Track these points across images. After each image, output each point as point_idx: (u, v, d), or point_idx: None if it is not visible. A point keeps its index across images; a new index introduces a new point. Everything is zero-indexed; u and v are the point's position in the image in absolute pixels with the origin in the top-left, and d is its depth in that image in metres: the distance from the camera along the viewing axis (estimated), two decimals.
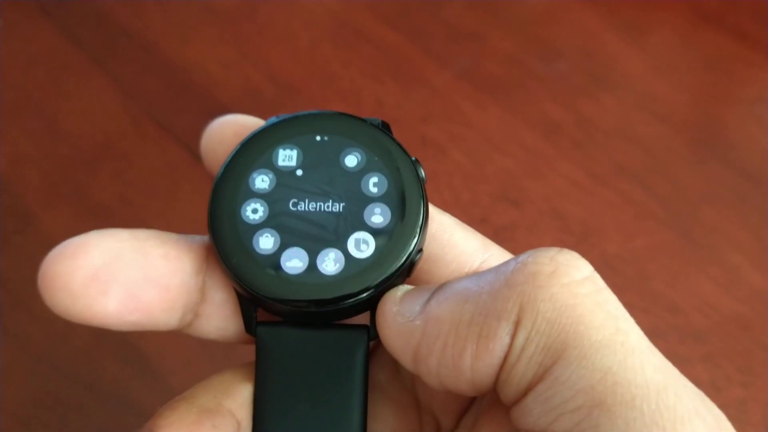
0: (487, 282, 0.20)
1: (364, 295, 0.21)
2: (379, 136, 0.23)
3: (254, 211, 0.22)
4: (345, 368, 0.22)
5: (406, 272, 0.22)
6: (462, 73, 0.51)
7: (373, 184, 0.22)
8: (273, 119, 0.23)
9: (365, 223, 0.22)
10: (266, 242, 0.21)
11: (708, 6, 0.55)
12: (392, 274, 0.21)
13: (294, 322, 0.22)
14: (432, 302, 0.20)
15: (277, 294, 0.21)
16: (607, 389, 0.18)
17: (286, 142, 0.23)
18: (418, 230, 0.21)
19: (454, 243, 0.23)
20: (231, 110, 0.48)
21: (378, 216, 0.22)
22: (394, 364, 0.23)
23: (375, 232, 0.21)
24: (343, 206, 0.22)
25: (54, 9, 0.54)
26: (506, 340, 0.19)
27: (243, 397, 0.22)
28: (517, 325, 0.19)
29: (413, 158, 0.23)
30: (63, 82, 0.50)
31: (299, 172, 0.22)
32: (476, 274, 0.21)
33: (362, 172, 0.22)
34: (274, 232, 0.22)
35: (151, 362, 0.38)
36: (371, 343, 0.22)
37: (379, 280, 0.21)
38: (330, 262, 0.21)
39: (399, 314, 0.21)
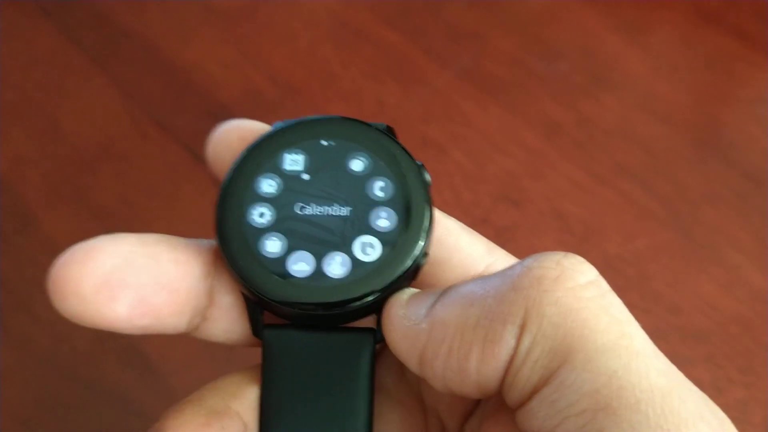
0: (493, 286, 0.20)
1: (370, 298, 0.21)
2: (384, 141, 0.23)
3: (261, 215, 0.22)
4: (351, 371, 0.22)
5: (411, 276, 0.22)
6: (462, 73, 0.51)
7: (379, 188, 0.22)
8: (279, 124, 0.23)
9: (371, 227, 0.22)
10: (273, 246, 0.21)
11: (708, 6, 0.55)
12: (398, 278, 0.21)
13: (300, 325, 0.22)
14: (438, 306, 0.20)
15: (283, 297, 0.21)
16: (612, 393, 0.18)
17: (292, 146, 0.23)
18: (424, 234, 0.22)
19: (460, 247, 0.23)
20: (231, 111, 0.49)
21: (384, 220, 0.22)
22: (400, 367, 0.23)
23: (381, 235, 0.22)
24: (349, 210, 0.22)
25: (54, 10, 0.54)
26: (512, 343, 0.19)
27: (250, 399, 0.22)
28: (522, 328, 0.19)
29: (419, 162, 0.23)
30: (63, 82, 0.50)
31: (305, 177, 0.22)
32: (482, 278, 0.21)
33: (368, 176, 0.22)
34: (280, 235, 0.22)
35: (153, 364, 0.38)
36: (377, 346, 0.22)
37: (386, 283, 0.21)
38: (336, 266, 0.21)
39: (405, 317, 0.21)
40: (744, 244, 0.44)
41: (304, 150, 0.23)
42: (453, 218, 0.23)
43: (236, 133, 0.24)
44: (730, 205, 0.45)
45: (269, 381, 0.22)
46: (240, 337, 0.23)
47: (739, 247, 0.44)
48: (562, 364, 0.18)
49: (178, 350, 0.38)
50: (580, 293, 0.19)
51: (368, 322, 0.22)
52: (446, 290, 0.21)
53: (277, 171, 0.22)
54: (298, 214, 0.22)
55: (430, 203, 0.22)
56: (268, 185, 0.22)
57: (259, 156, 0.23)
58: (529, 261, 0.20)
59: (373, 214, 0.22)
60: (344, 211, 0.22)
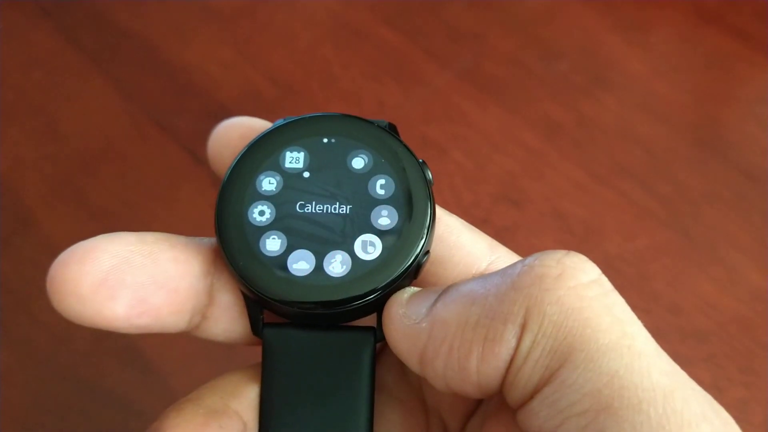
0: (494, 284, 0.20)
1: (371, 297, 0.21)
2: (385, 138, 0.23)
3: (261, 213, 0.22)
4: (351, 370, 0.22)
5: (413, 274, 0.22)
6: (462, 74, 0.51)
7: (380, 186, 0.22)
8: (280, 121, 0.23)
9: (372, 225, 0.22)
10: (273, 244, 0.21)
11: (708, 5, 0.55)
12: (399, 276, 0.21)
13: (301, 323, 0.22)
14: (438, 304, 0.20)
15: (283, 296, 0.21)
16: (613, 393, 0.18)
17: (292, 144, 0.23)
18: (425, 232, 0.21)
19: (461, 245, 0.23)
20: (231, 111, 0.49)
21: (385, 218, 0.22)
22: (401, 366, 0.23)
23: (382, 233, 0.21)
24: (350, 208, 0.22)
25: (54, 10, 0.53)
26: (512, 343, 0.19)
27: (249, 398, 0.22)
28: (523, 328, 0.19)
29: (420, 160, 0.23)
30: (63, 83, 0.50)
31: (306, 174, 0.22)
32: (483, 277, 0.21)
33: (369, 174, 0.22)
34: (280, 234, 0.21)
35: (153, 364, 0.38)
36: (378, 345, 0.22)
37: (386, 282, 0.21)
38: (337, 264, 0.21)
39: (405, 316, 0.21)
40: (744, 244, 0.44)
41: (305, 147, 0.23)
42: (455, 216, 0.23)
43: (237, 131, 0.24)
44: (730, 205, 0.45)
45: (269, 380, 0.22)
46: (240, 336, 0.23)
47: (739, 246, 0.44)
48: (564, 363, 0.18)
49: (178, 351, 0.38)
50: (582, 292, 0.19)
51: (369, 321, 0.22)
52: (447, 289, 0.21)
53: (278, 169, 0.22)
54: (298, 212, 0.22)
55: (432, 201, 0.22)
56: (269, 183, 0.22)
57: (260, 153, 0.22)
58: (531, 259, 0.20)
59: (374, 213, 0.22)
60: (345, 209, 0.22)
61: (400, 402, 0.24)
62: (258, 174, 0.22)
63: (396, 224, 0.22)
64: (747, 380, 0.39)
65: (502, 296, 0.19)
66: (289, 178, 0.22)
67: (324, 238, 0.21)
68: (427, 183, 0.22)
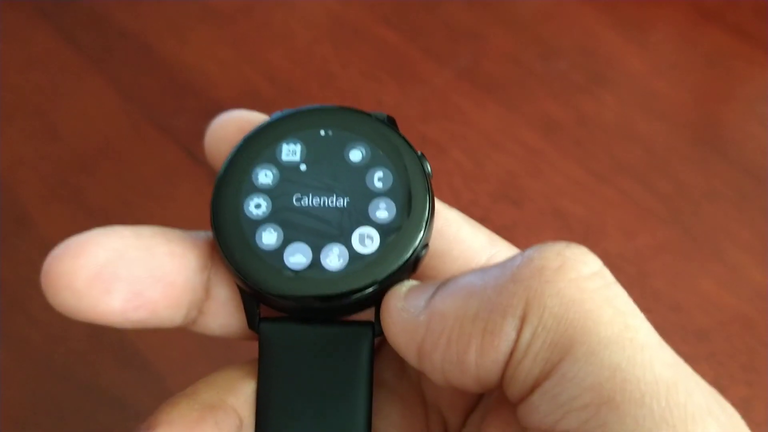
0: (493, 277, 0.20)
1: (369, 290, 0.21)
2: (384, 131, 0.22)
3: (257, 207, 0.22)
4: (349, 365, 0.22)
5: (411, 268, 0.22)
6: (461, 72, 0.51)
7: (378, 178, 0.22)
8: (277, 114, 0.23)
9: (370, 218, 0.21)
10: (269, 237, 0.21)
11: (708, 3, 0.55)
12: (397, 270, 0.21)
13: (298, 318, 0.22)
14: (436, 297, 0.20)
15: (279, 290, 0.21)
16: (615, 386, 0.17)
17: (289, 136, 0.22)
18: (424, 225, 0.21)
19: (461, 238, 0.22)
20: (229, 110, 0.49)
21: (383, 211, 0.21)
22: (400, 361, 0.23)
23: (380, 227, 0.21)
24: (347, 201, 0.22)
25: (52, 10, 0.53)
26: (512, 335, 0.19)
27: (246, 393, 0.22)
28: (523, 320, 0.19)
29: (419, 153, 0.22)
30: (61, 83, 0.50)
31: (303, 167, 0.22)
32: (482, 269, 0.20)
33: (367, 166, 0.22)
34: (277, 227, 0.21)
35: (150, 364, 0.38)
36: (377, 340, 0.22)
37: (384, 275, 0.21)
38: (334, 258, 0.21)
39: (403, 310, 0.20)
40: (745, 242, 0.44)
41: (302, 140, 0.22)
42: (455, 209, 0.23)
43: (234, 124, 0.24)
44: (730, 203, 0.45)
45: (266, 375, 0.22)
46: (237, 331, 0.23)
47: (740, 244, 0.43)
48: (564, 356, 0.18)
49: (176, 350, 0.38)
50: (583, 284, 0.19)
51: (367, 315, 0.22)
52: (445, 282, 0.21)
53: (274, 161, 0.22)
54: (295, 205, 0.22)
55: (431, 194, 0.22)
56: (265, 176, 0.22)
57: (256, 146, 0.22)
58: (530, 251, 0.20)
59: (371, 205, 0.22)
60: (342, 202, 0.22)
61: (399, 397, 0.24)
62: (254, 167, 0.22)
63: (394, 217, 0.21)
64: (749, 378, 0.39)
65: (501, 288, 0.19)
66: (286, 170, 0.22)
67: (321, 231, 0.21)
68: (426, 176, 0.22)
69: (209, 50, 0.52)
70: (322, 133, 0.22)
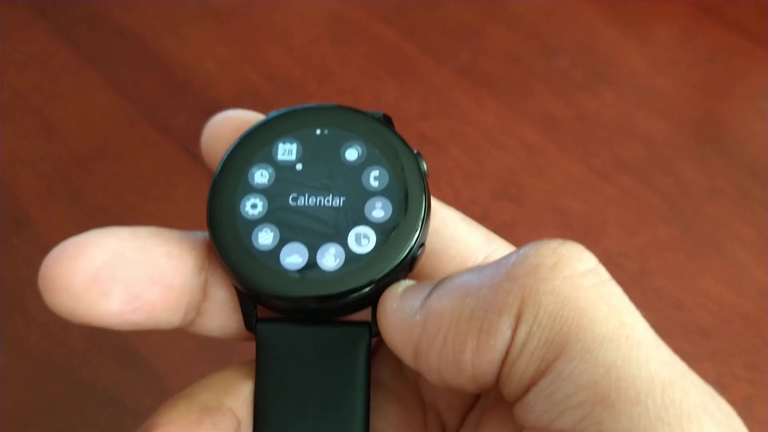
0: (488, 275, 0.19)
1: (365, 290, 0.21)
2: (380, 129, 0.22)
3: (253, 207, 0.21)
4: (347, 365, 0.22)
5: (407, 267, 0.21)
6: (460, 70, 0.51)
7: (374, 177, 0.22)
8: (273, 113, 0.23)
9: (366, 218, 0.21)
10: (265, 238, 0.21)
11: (708, 0, 0.55)
12: (393, 269, 0.21)
13: (294, 318, 0.22)
14: (432, 297, 0.20)
15: (275, 290, 0.21)
16: (610, 384, 0.17)
17: (285, 135, 0.22)
18: (420, 224, 0.21)
19: (458, 237, 0.22)
20: (227, 109, 0.48)
21: (379, 210, 0.21)
22: (398, 361, 0.23)
23: (376, 226, 0.21)
24: (343, 200, 0.21)
25: (50, 9, 0.53)
26: (507, 334, 0.19)
27: (244, 395, 0.22)
28: (518, 319, 0.18)
29: (415, 151, 0.22)
30: (58, 82, 0.50)
31: (299, 167, 0.22)
32: (477, 268, 0.20)
33: (363, 165, 0.22)
34: (273, 227, 0.21)
35: (150, 364, 0.38)
36: (374, 340, 0.22)
37: (380, 275, 0.21)
38: (330, 258, 0.21)
39: (400, 310, 0.20)
40: (747, 239, 0.43)
41: (298, 139, 0.22)
42: (451, 208, 0.23)
43: (230, 124, 0.24)
44: (732, 200, 0.45)
45: (263, 376, 0.22)
46: (235, 332, 0.23)
47: (741, 242, 0.43)
48: (560, 355, 0.18)
49: (175, 350, 0.38)
50: (578, 282, 0.19)
51: (364, 315, 0.22)
52: (441, 281, 0.20)
53: (270, 161, 0.22)
54: (291, 205, 0.21)
55: (427, 193, 0.22)
56: (261, 176, 0.22)
57: (252, 146, 0.22)
58: (525, 249, 0.19)
59: (368, 205, 0.21)
60: (338, 201, 0.21)
61: (396, 397, 0.24)
62: (250, 166, 0.22)
63: (390, 217, 0.21)
64: (751, 377, 0.39)
65: (496, 287, 0.19)
66: (282, 170, 0.22)
67: (317, 231, 0.21)
68: (422, 174, 0.22)
69: (208, 49, 0.52)
70: (318, 132, 0.22)
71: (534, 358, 0.18)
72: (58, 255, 0.20)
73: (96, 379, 0.37)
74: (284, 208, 0.21)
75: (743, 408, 0.38)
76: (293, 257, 0.21)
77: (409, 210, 0.21)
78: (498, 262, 0.20)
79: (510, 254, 0.20)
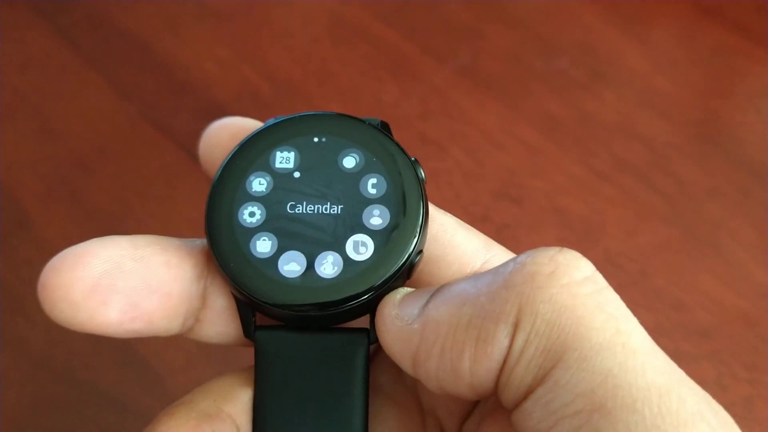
0: (486, 284, 0.19)
1: (363, 298, 0.21)
2: (377, 137, 0.22)
3: (251, 215, 0.22)
4: (345, 372, 0.22)
5: (405, 274, 0.21)
6: (461, 70, 0.51)
7: (371, 185, 0.22)
8: (271, 121, 0.23)
9: (364, 225, 0.21)
10: (263, 246, 0.21)
11: (708, 0, 0.55)
12: (391, 277, 0.21)
13: (293, 326, 0.22)
14: (430, 305, 0.20)
15: (274, 298, 0.21)
16: (607, 392, 0.17)
17: (283, 144, 0.22)
18: (418, 231, 0.21)
19: (456, 244, 0.22)
20: (228, 110, 0.49)
21: (377, 218, 0.21)
22: (397, 367, 0.23)
23: (374, 234, 0.21)
24: (341, 208, 0.22)
25: (49, 10, 0.53)
26: (505, 342, 0.19)
27: (243, 401, 0.22)
28: (515, 327, 0.19)
29: (412, 158, 0.22)
30: (58, 83, 0.50)
31: (297, 174, 0.22)
32: (475, 276, 0.20)
33: (361, 173, 0.22)
34: (271, 235, 0.21)
35: (150, 365, 0.38)
36: (373, 347, 0.22)
37: (378, 282, 0.21)
38: (328, 265, 0.21)
39: (398, 317, 0.20)
40: (747, 240, 0.43)
41: (296, 147, 0.22)
42: (449, 214, 0.23)
43: (228, 131, 0.24)
44: (732, 200, 0.45)
45: (262, 383, 0.22)
46: (234, 339, 0.23)
47: (742, 242, 0.43)
48: (557, 363, 0.18)
49: (176, 352, 0.38)
50: (575, 289, 0.19)
51: (362, 322, 0.22)
52: (439, 289, 0.20)
53: (268, 169, 0.22)
54: (289, 213, 0.22)
55: (425, 199, 0.22)
56: (259, 184, 0.22)
57: (250, 154, 0.22)
58: (523, 257, 0.20)
59: (365, 212, 0.21)
60: (336, 209, 0.22)
61: (396, 403, 0.24)
62: (248, 175, 0.22)
63: (388, 224, 0.21)
64: (752, 377, 0.39)
65: (493, 295, 0.19)
66: (280, 178, 0.22)
67: (315, 239, 0.21)
68: (420, 181, 0.22)
69: (208, 49, 0.52)
70: (316, 140, 0.22)
71: (531, 367, 0.18)
72: (58, 264, 0.20)
73: (96, 380, 0.38)
74: (282, 216, 0.21)
75: (743, 408, 0.38)
76: (291, 265, 0.21)
77: (406, 217, 0.21)
78: (495, 270, 0.20)
79: (507, 262, 0.20)
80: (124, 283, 0.20)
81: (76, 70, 0.50)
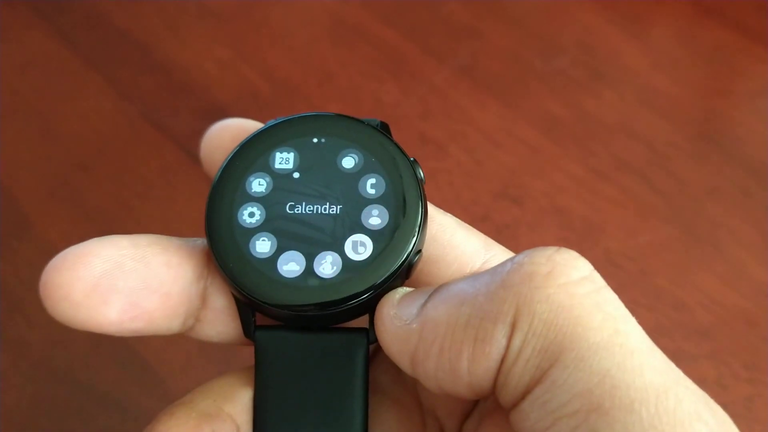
0: (483, 283, 0.20)
1: (362, 298, 0.21)
2: (376, 137, 0.22)
3: (251, 215, 0.22)
4: (345, 372, 0.22)
5: (404, 274, 0.22)
6: (461, 70, 0.51)
7: (370, 185, 0.22)
8: (271, 122, 0.23)
9: (363, 225, 0.21)
10: (263, 246, 0.21)
11: None
12: (389, 277, 0.21)
13: (292, 326, 0.22)
14: (429, 305, 0.20)
15: (273, 298, 0.21)
16: (604, 393, 0.17)
17: (282, 144, 0.22)
18: (417, 231, 0.21)
19: (455, 244, 0.22)
20: (228, 110, 0.49)
21: (376, 218, 0.21)
22: (397, 367, 0.23)
23: (373, 234, 0.21)
24: (340, 208, 0.22)
25: (49, 11, 0.53)
26: (502, 342, 0.19)
27: (243, 401, 0.22)
28: (513, 327, 0.19)
29: (411, 158, 0.22)
30: (58, 84, 0.50)
31: (296, 175, 0.22)
32: (473, 276, 0.20)
33: (360, 173, 0.22)
34: (270, 235, 0.21)
35: (150, 366, 0.38)
36: (373, 346, 0.22)
37: (377, 283, 0.21)
38: (327, 265, 0.21)
39: (396, 317, 0.21)
40: (747, 239, 0.43)
41: (295, 148, 0.22)
42: (449, 214, 0.23)
43: (229, 132, 0.24)
44: (732, 200, 0.45)
45: (262, 383, 0.22)
46: (234, 338, 0.23)
47: (742, 242, 0.43)
48: (554, 363, 0.18)
49: (176, 353, 0.38)
50: (573, 289, 0.19)
51: (362, 322, 0.22)
52: (437, 289, 0.21)
53: (268, 170, 0.22)
54: (288, 213, 0.22)
55: (424, 199, 0.22)
56: (258, 184, 0.22)
57: (250, 154, 0.22)
58: (520, 257, 0.20)
59: (364, 212, 0.22)
60: (335, 209, 0.22)
61: (395, 403, 0.24)
62: (248, 175, 0.22)
63: (387, 224, 0.21)
64: (752, 377, 0.39)
65: (491, 295, 0.19)
66: (279, 178, 0.22)
67: (314, 239, 0.21)
68: (419, 181, 0.22)
69: (207, 50, 0.52)
70: (315, 140, 0.22)
71: (529, 366, 0.18)
72: (58, 264, 0.20)
73: (96, 380, 0.38)
74: (281, 217, 0.22)
75: (743, 408, 0.38)
76: (290, 265, 0.21)
77: (405, 217, 0.21)
78: (493, 270, 0.20)
79: (505, 262, 0.20)
80: (124, 282, 0.20)
81: (76, 71, 0.51)
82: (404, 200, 0.22)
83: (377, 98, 0.49)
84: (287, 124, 0.23)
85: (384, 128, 0.23)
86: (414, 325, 0.20)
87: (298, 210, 0.22)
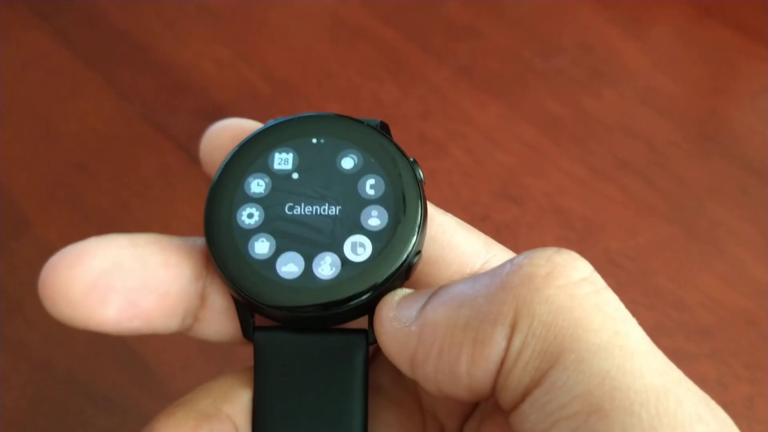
0: (483, 285, 0.19)
1: (361, 299, 0.21)
2: (375, 138, 0.22)
3: (249, 216, 0.22)
4: (344, 373, 0.22)
5: (404, 275, 0.21)
6: (461, 70, 0.51)
7: (369, 186, 0.22)
8: (270, 122, 0.23)
9: (362, 226, 0.21)
10: (261, 247, 0.21)
11: None
12: (389, 278, 0.21)
13: (292, 327, 0.22)
14: (428, 307, 0.20)
15: (272, 300, 0.21)
16: (604, 394, 0.17)
17: (281, 145, 0.22)
18: (416, 232, 0.21)
19: (455, 244, 0.22)
20: (227, 110, 0.49)
21: (375, 219, 0.21)
22: (397, 368, 0.23)
23: (372, 235, 0.21)
24: (339, 209, 0.22)
25: (48, 11, 0.53)
26: (502, 344, 0.19)
27: (242, 402, 0.22)
28: (513, 328, 0.18)
29: (411, 159, 0.22)
30: (57, 84, 0.50)
31: (295, 176, 0.22)
32: (472, 277, 0.20)
33: (359, 174, 0.22)
34: (269, 236, 0.21)
35: (150, 367, 0.38)
36: (372, 347, 0.22)
37: (376, 284, 0.21)
38: (326, 267, 0.21)
39: (395, 319, 0.20)
40: (747, 239, 0.43)
41: (294, 148, 0.22)
42: (449, 214, 0.23)
43: (228, 133, 0.24)
44: (732, 199, 0.45)
45: (261, 384, 0.22)
46: (233, 338, 0.23)
47: (742, 241, 0.43)
48: (554, 364, 0.18)
49: (176, 353, 0.38)
50: (573, 291, 0.19)
51: (361, 323, 0.22)
52: (437, 291, 0.20)
53: (267, 170, 0.22)
54: (287, 214, 0.22)
55: (423, 200, 0.22)
56: (257, 185, 0.22)
57: (249, 155, 0.22)
58: (520, 258, 0.19)
59: (363, 213, 0.21)
60: (334, 210, 0.22)
61: (395, 404, 0.24)
62: (247, 176, 0.22)
63: (386, 225, 0.21)
64: (752, 376, 0.39)
65: (491, 297, 0.19)
66: (278, 179, 0.22)
67: (313, 240, 0.21)
68: (418, 182, 0.22)
69: (207, 50, 0.52)
70: (314, 141, 0.22)
71: (529, 368, 0.18)
72: (57, 263, 0.20)
73: (96, 382, 0.38)
74: (280, 218, 0.21)
75: (744, 407, 0.38)
76: (289, 266, 0.21)
77: (404, 218, 0.21)
78: (493, 272, 0.20)
79: (505, 263, 0.20)
80: (123, 282, 0.20)
81: (75, 71, 0.50)
82: (404, 201, 0.21)
83: (377, 98, 0.49)
84: (286, 125, 0.23)
85: (384, 128, 0.23)
86: (413, 328, 0.20)
87: (297, 211, 0.22)
